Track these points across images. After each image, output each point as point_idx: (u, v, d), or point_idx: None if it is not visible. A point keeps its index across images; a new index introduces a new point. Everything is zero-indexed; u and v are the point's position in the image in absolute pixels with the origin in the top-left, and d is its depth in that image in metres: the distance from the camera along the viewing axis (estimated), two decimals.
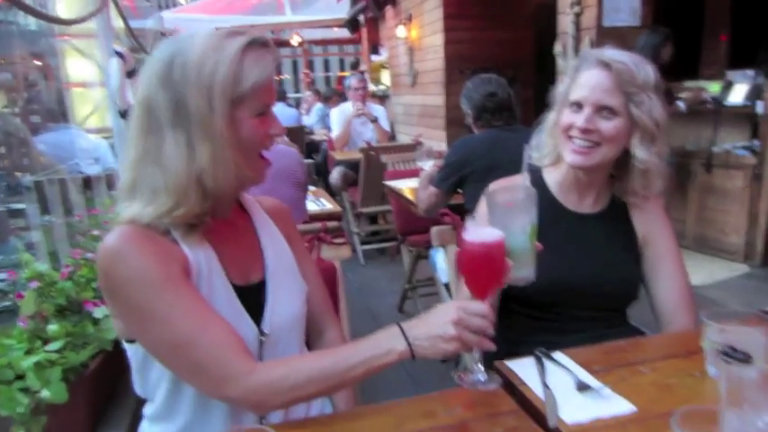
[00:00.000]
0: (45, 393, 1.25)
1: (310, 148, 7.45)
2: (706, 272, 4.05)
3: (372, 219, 5.28)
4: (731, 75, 4.23)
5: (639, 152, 1.34)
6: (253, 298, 1.09)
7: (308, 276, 1.22)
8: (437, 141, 6.44)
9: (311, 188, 3.49)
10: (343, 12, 10.41)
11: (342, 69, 16.15)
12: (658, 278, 1.43)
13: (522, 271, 1.08)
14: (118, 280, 0.96)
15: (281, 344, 1.11)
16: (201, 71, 0.94)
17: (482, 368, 1.06)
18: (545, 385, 1.03)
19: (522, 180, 1.19)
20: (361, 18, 10.42)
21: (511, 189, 1.14)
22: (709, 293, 3.65)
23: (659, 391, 1.02)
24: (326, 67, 17.94)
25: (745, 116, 4.14)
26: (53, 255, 2.23)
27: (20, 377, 1.28)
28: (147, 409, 1.12)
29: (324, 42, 14.52)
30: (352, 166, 5.06)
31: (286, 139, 2.97)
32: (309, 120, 8.68)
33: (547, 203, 1.35)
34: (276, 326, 1.10)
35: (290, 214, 1.27)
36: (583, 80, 1.34)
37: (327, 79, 17.01)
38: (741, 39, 5.86)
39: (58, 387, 1.27)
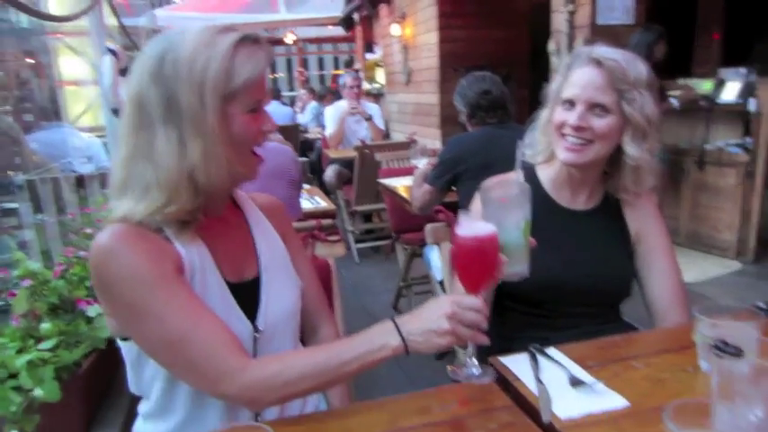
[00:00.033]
0: (38, 392, 1.25)
1: (305, 146, 7.44)
2: (699, 269, 4.07)
3: (367, 217, 5.28)
4: (724, 73, 4.25)
5: (631, 149, 1.34)
6: (247, 295, 1.09)
7: (302, 273, 1.22)
8: (431, 139, 6.44)
9: (306, 186, 3.48)
10: (338, 10, 10.40)
11: (336, 67, 16.15)
12: (651, 275, 1.44)
13: (516, 267, 1.09)
14: (110, 278, 0.96)
15: (275, 340, 1.11)
16: (193, 67, 0.94)
17: (476, 362, 1.06)
18: (539, 381, 1.03)
19: (515, 177, 1.19)
20: (356, 16, 10.42)
21: (505, 185, 1.14)
22: (701, 290, 3.67)
23: (652, 386, 1.03)
24: (321, 65, 17.92)
25: (737, 114, 4.16)
26: (46, 253, 2.22)
27: (12, 376, 1.27)
28: (143, 407, 1.12)
29: (318, 40, 14.51)
30: (347, 164, 5.05)
31: (280, 137, 2.96)
32: (304, 118, 8.67)
33: (540, 200, 1.35)
34: (270, 322, 1.10)
35: (284, 210, 1.27)
36: (575, 78, 1.35)
37: (322, 77, 17.00)
38: (734, 37, 5.89)
39: (51, 386, 1.27)
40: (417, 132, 6.27)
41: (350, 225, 5.01)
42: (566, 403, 0.97)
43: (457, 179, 2.69)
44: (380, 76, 9.52)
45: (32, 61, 4.60)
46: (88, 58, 3.25)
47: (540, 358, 1.12)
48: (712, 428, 0.72)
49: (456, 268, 1.05)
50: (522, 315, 1.44)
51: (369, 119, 5.44)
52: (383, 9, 8.83)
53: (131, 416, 1.16)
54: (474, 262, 1.01)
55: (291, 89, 15.67)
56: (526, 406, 0.99)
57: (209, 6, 9.59)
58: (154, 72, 0.96)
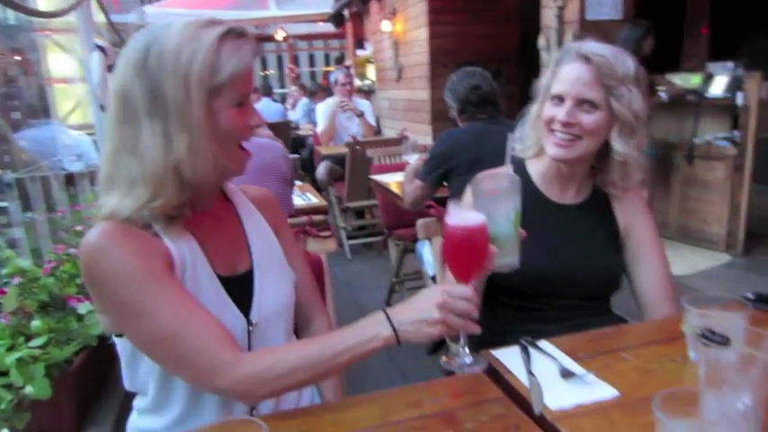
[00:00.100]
0: (28, 390, 1.25)
1: (296, 143, 7.42)
2: (688, 261, 4.11)
3: (359, 213, 5.28)
4: (712, 67, 4.28)
5: (618, 145, 1.35)
6: (240, 288, 1.09)
7: (295, 265, 1.22)
8: (422, 135, 6.45)
9: (297, 183, 3.48)
10: (328, 6, 10.37)
11: (327, 64, 16.10)
12: (640, 268, 1.45)
13: (507, 258, 1.09)
14: (100, 276, 0.96)
15: (269, 333, 1.11)
16: (178, 60, 0.93)
17: (468, 351, 1.06)
18: (530, 373, 1.03)
19: (506, 170, 1.19)
20: (346, 13, 10.40)
21: (495, 177, 1.14)
22: (691, 282, 3.70)
23: (642, 377, 1.04)
24: (312, 61, 17.87)
25: (725, 108, 4.19)
26: (36, 251, 2.21)
27: (3, 374, 1.27)
28: (138, 403, 1.11)
29: (308, 37, 14.46)
30: (339, 160, 5.05)
31: (270, 133, 2.95)
32: (295, 115, 8.64)
33: (530, 195, 1.36)
34: (264, 315, 1.10)
35: (276, 203, 1.26)
36: (563, 74, 1.35)
37: (313, 74, 16.94)
38: (721, 31, 5.94)
39: (42, 383, 1.26)
40: (408, 128, 6.28)
41: (342, 221, 5.01)
42: (557, 394, 0.97)
43: (448, 174, 2.70)
44: (371, 72, 9.50)
45: (20, 58, 4.56)
46: (76, 55, 3.23)
47: (532, 351, 1.13)
48: (700, 417, 0.73)
49: (446, 258, 1.05)
50: (514, 309, 1.45)
51: (360, 115, 5.44)
52: (373, 5, 8.81)
53: (124, 413, 1.16)
54: (464, 251, 1.02)
55: (282, 86, 15.62)
56: (518, 398, 0.99)
57: (198, 3, 9.52)
58: (138, 66, 0.95)
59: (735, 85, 4.04)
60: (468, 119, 2.80)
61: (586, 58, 1.32)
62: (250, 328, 1.08)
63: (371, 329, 0.97)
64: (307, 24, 12.19)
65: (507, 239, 1.08)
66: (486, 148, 2.52)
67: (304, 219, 2.11)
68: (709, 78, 4.21)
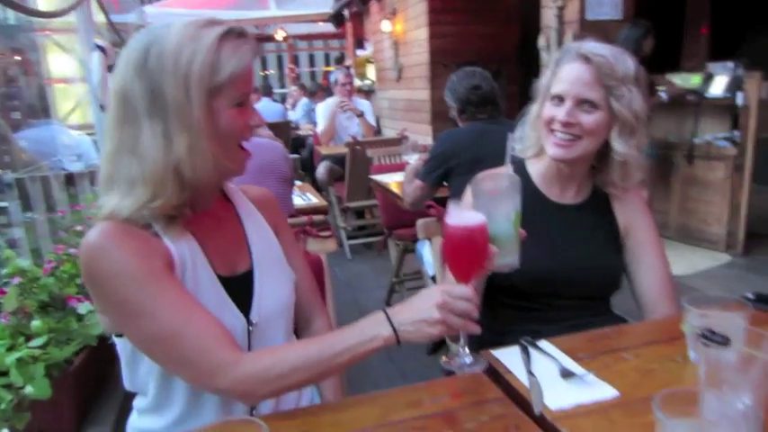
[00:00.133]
0: (28, 390, 1.25)
1: (296, 143, 7.42)
2: (688, 262, 4.11)
3: (359, 213, 5.28)
4: (712, 67, 4.28)
5: (618, 145, 1.35)
6: (240, 288, 1.09)
7: (295, 265, 1.22)
8: (422, 135, 6.45)
9: (297, 183, 3.48)
10: (328, 6, 10.37)
11: (327, 64, 16.10)
12: (640, 269, 1.45)
13: (507, 258, 1.09)
14: (100, 276, 0.96)
15: (269, 333, 1.11)
16: (178, 60, 0.93)
17: (468, 351, 1.06)
18: (530, 373, 1.03)
19: (506, 170, 1.19)
20: (346, 12, 10.40)
21: (495, 177, 1.14)
22: (691, 282, 3.70)
23: (642, 377, 1.04)
24: (312, 61, 17.87)
25: (725, 107, 4.19)
26: (36, 252, 2.21)
27: (3, 374, 1.27)
28: (139, 403, 1.11)
29: (308, 37, 14.46)
30: (339, 160, 5.05)
31: (270, 133, 2.95)
32: (295, 115, 8.64)
33: (530, 195, 1.36)
34: (264, 315, 1.10)
35: (276, 203, 1.26)
36: (564, 74, 1.35)
37: (313, 74, 16.95)
38: (721, 31, 5.94)
39: (42, 383, 1.26)
40: (408, 128, 6.28)
41: (342, 222, 5.01)
42: (557, 394, 0.97)
43: (448, 174, 2.70)
44: (371, 72, 9.50)
45: (20, 58, 4.55)
46: (76, 55, 3.23)
47: (532, 351, 1.13)
48: (700, 417, 0.73)
49: (446, 258, 1.05)
50: (514, 309, 1.45)
51: (360, 115, 5.44)
52: (373, 5, 8.81)
53: (123, 413, 1.16)
54: (463, 251, 1.02)
55: (282, 86, 15.62)
56: (518, 398, 0.99)
57: (198, 3, 9.52)
58: (138, 65, 0.95)
59: (735, 85, 4.04)
60: (468, 119, 2.80)
61: (586, 58, 1.32)
62: (250, 328, 1.08)
63: (371, 329, 0.97)
64: (307, 24, 12.19)
65: (507, 239, 1.08)
66: (485, 148, 2.52)
67: (304, 219, 2.11)
68: (709, 78, 4.21)
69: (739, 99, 4.01)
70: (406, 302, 1.00)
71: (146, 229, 0.99)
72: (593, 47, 1.33)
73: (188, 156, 0.95)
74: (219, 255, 1.08)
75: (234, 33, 0.98)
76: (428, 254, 2.65)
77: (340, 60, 11.46)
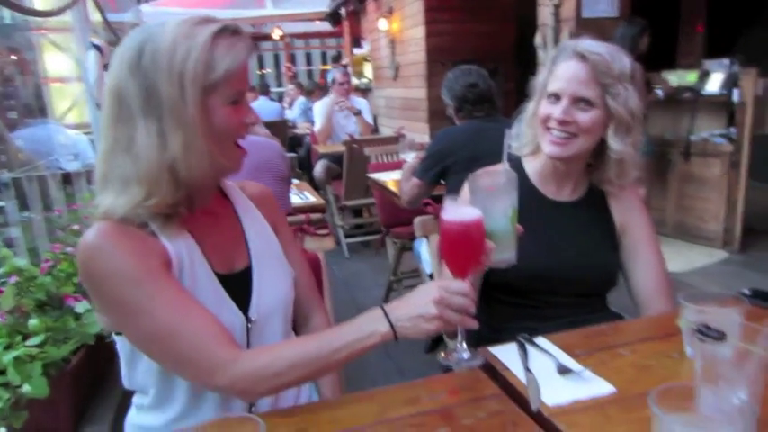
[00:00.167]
0: (26, 388, 1.25)
1: (293, 142, 7.41)
2: (685, 258, 4.11)
3: (357, 212, 5.28)
4: (708, 64, 4.28)
5: (614, 143, 1.35)
6: (238, 285, 1.09)
7: (293, 262, 1.22)
8: (419, 134, 6.45)
9: (295, 181, 3.48)
10: (324, 5, 10.37)
11: (324, 62, 16.10)
12: (636, 265, 1.46)
13: (504, 254, 1.09)
14: (97, 276, 0.96)
15: (268, 330, 1.11)
16: (172, 58, 0.93)
17: (465, 346, 1.06)
18: (527, 369, 1.04)
19: (502, 167, 1.20)
20: (343, 11, 10.39)
21: (492, 173, 1.14)
22: (688, 279, 3.70)
23: (638, 372, 1.04)
24: (309, 60, 17.86)
25: (721, 104, 4.20)
26: (33, 251, 2.20)
27: (0, 372, 1.26)
28: (139, 400, 1.11)
29: (305, 36, 14.45)
30: (336, 159, 5.05)
31: (267, 132, 2.95)
32: (292, 114, 8.63)
33: (526, 192, 1.36)
34: (263, 312, 1.10)
35: (274, 199, 1.26)
36: (560, 72, 1.35)
37: (310, 73, 16.94)
38: (717, 28, 5.95)
39: (39, 382, 1.26)
40: (405, 127, 6.28)
41: (339, 220, 5.01)
42: (554, 391, 0.98)
43: (445, 172, 2.70)
44: (368, 70, 9.50)
45: (16, 58, 4.55)
46: (72, 55, 3.22)
47: (529, 347, 1.13)
48: (696, 411, 0.73)
49: (443, 253, 1.05)
50: (511, 306, 1.45)
51: (357, 114, 5.44)
52: (370, 4, 8.81)
53: (121, 411, 1.16)
54: (460, 246, 1.02)
55: (279, 85, 15.60)
56: (515, 394, 0.99)
57: (194, 2, 9.51)
58: (133, 64, 0.95)
59: (731, 82, 4.05)
60: (464, 117, 2.81)
61: (583, 57, 1.32)
62: (249, 326, 1.08)
63: (369, 326, 0.97)
64: (303, 23, 12.18)
65: (504, 235, 1.08)
66: (482, 147, 2.52)
67: (301, 217, 2.11)
68: (705, 75, 4.22)
69: (735, 96, 4.02)
70: (404, 298, 1.01)
71: (142, 229, 0.99)
72: (589, 45, 1.34)
73: (183, 154, 0.95)
74: (217, 252, 1.08)
75: (228, 31, 0.97)
76: (425, 252, 2.65)
77: (337, 59, 11.47)
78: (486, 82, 2.80)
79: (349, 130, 5.38)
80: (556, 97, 1.35)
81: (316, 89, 8.41)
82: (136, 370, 1.06)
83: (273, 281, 1.14)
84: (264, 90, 8.55)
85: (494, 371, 1.07)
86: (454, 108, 2.83)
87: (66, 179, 2.77)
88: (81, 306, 1.46)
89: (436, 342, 2.70)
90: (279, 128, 6.42)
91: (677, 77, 4.42)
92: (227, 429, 0.77)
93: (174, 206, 0.99)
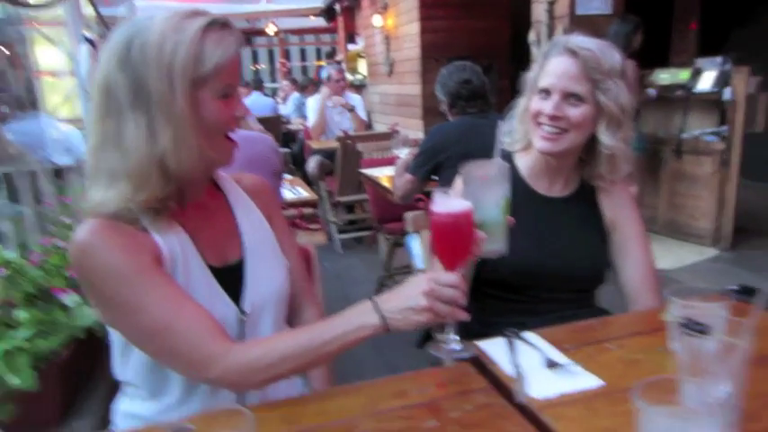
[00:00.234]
0: (14, 381, 1.24)
1: (287, 137, 7.40)
2: (675, 256, 4.13)
3: (350, 208, 5.28)
4: (700, 62, 4.30)
5: (605, 138, 1.36)
6: (232, 278, 1.09)
7: (287, 253, 1.22)
8: (414, 130, 6.45)
9: (288, 177, 3.48)
10: (319, 0, 10.33)
11: (318, 58, 16.05)
12: (625, 261, 1.46)
13: (495, 244, 1.10)
14: (90, 274, 0.96)
15: (262, 322, 1.12)
16: (161, 52, 0.93)
17: (457, 338, 1.07)
18: (515, 363, 1.04)
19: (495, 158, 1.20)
20: (337, 7, 10.36)
21: (484, 165, 1.15)
22: (677, 276, 3.72)
23: (625, 367, 1.05)
24: (303, 56, 17.80)
25: (713, 103, 4.22)
26: (24, 246, 2.19)
27: None
28: (131, 390, 1.11)
29: (300, 32, 14.41)
30: (329, 155, 5.04)
31: (260, 127, 2.94)
32: (286, 109, 8.61)
33: (518, 188, 1.37)
34: (257, 304, 1.10)
35: (270, 190, 1.26)
36: (551, 67, 1.36)
37: (304, 68, 16.89)
38: (710, 27, 5.97)
39: (28, 375, 1.26)
40: (400, 123, 6.27)
41: (332, 216, 5.00)
42: (542, 384, 0.98)
43: (438, 168, 2.71)
44: (363, 67, 9.48)
45: (7, 51, 4.50)
46: (65, 48, 3.20)
47: (517, 342, 1.14)
48: (680, 404, 0.74)
49: (433, 246, 1.06)
50: (501, 301, 1.46)
51: (351, 110, 5.44)
52: (365, 0, 8.78)
53: (110, 406, 1.16)
54: (449, 238, 1.02)
55: (274, 80, 15.55)
56: (503, 388, 1.00)
57: None
58: (121, 58, 0.94)
59: (723, 81, 4.07)
60: (458, 113, 2.81)
61: (573, 52, 1.33)
62: (242, 318, 1.08)
63: (360, 318, 0.98)
64: (298, 19, 12.14)
65: (495, 226, 1.09)
66: (475, 143, 2.52)
67: (293, 212, 2.11)
68: (697, 73, 4.23)
69: (727, 94, 4.04)
70: (394, 291, 1.01)
71: (133, 224, 0.99)
72: (580, 41, 1.34)
73: (172, 148, 0.95)
74: (210, 246, 1.08)
75: (218, 24, 0.97)
76: (417, 247, 2.65)
77: (331, 55, 11.44)
78: (479, 78, 2.81)
79: (343, 127, 5.38)
80: (546, 93, 1.35)
81: (310, 85, 8.39)
82: (128, 362, 1.06)
83: (267, 273, 1.14)
84: (258, 85, 8.53)
85: (482, 365, 1.08)
86: (447, 104, 2.84)
87: (58, 173, 2.75)
88: (70, 299, 1.46)
89: (428, 337, 2.71)
90: (272, 123, 6.41)
91: (670, 75, 4.43)
92: (215, 421, 0.77)
93: (164, 200, 0.99)
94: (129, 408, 1.12)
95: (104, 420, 1.48)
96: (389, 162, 3.64)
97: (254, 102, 7.48)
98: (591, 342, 1.15)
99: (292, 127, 7.75)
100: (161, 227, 1.01)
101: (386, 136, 4.80)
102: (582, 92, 1.33)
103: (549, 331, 1.19)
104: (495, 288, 1.45)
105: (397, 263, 3.52)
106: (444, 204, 1.01)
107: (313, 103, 5.59)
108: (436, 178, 2.78)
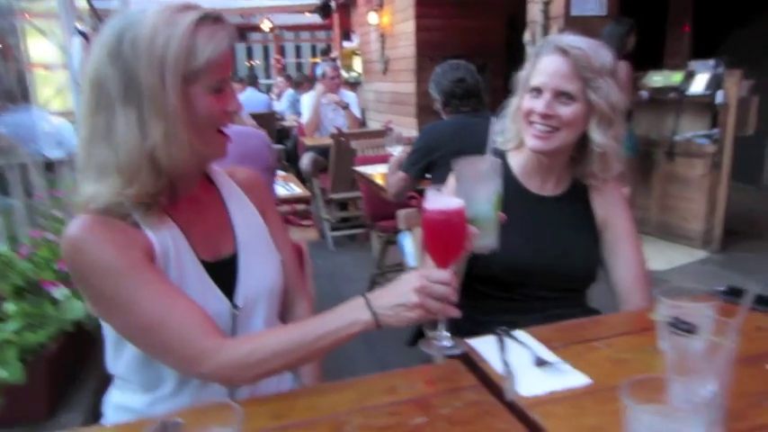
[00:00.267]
0: (2, 374, 1.24)
1: (281, 134, 7.39)
2: (666, 257, 4.16)
3: (343, 205, 5.28)
4: (693, 65, 4.33)
5: (597, 136, 1.37)
6: (225, 272, 1.09)
7: (281, 247, 1.22)
8: (408, 128, 6.45)
9: (281, 173, 3.47)
10: None
11: (314, 55, 16.03)
12: (616, 261, 1.47)
13: (486, 239, 1.10)
14: (81, 270, 0.96)
15: (255, 317, 1.12)
16: (153, 46, 0.92)
17: (448, 334, 1.07)
18: (504, 361, 1.05)
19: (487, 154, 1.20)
20: (333, 4, 10.35)
21: (477, 161, 1.15)
22: (666, 277, 3.75)
23: (614, 365, 1.06)
24: (298, 53, 17.77)
25: (705, 105, 4.24)
26: (13, 239, 2.18)
27: None
28: (123, 382, 1.11)
29: (295, 28, 14.39)
30: (323, 152, 5.04)
31: (254, 122, 2.94)
32: (280, 106, 8.59)
33: (510, 186, 1.37)
34: (250, 299, 1.10)
35: (263, 184, 1.26)
36: (542, 66, 1.37)
37: (299, 65, 16.85)
38: (704, 29, 6.00)
39: (15, 367, 1.25)
40: (394, 121, 6.28)
41: (326, 213, 5.00)
42: (530, 382, 0.99)
43: (431, 166, 2.71)
44: (357, 64, 9.47)
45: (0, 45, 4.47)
46: (57, 41, 3.18)
47: (507, 340, 1.14)
48: (667, 403, 0.74)
49: (425, 243, 1.06)
50: (492, 299, 1.46)
51: (346, 107, 5.43)
52: None
53: (100, 398, 1.16)
54: (441, 235, 1.02)
55: (268, 77, 15.51)
56: (492, 386, 1.00)
57: None
58: (112, 51, 0.94)
59: (715, 84, 4.09)
60: (451, 111, 2.81)
61: (564, 51, 1.33)
62: (235, 312, 1.08)
63: (351, 314, 0.98)
64: (293, 15, 12.12)
65: (487, 221, 1.09)
66: (469, 141, 2.52)
67: (286, 208, 2.10)
68: (690, 76, 4.25)
69: (719, 97, 4.06)
70: (386, 287, 1.01)
71: (125, 220, 0.99)
72: (571, 40, 1.35)
73: (163, 143, 0.94)
74: (203, 240, 1.08)
75: (210, 18, 0.97)
76: (409, 245, 2.65)
77: (326, 52, 11.41)
78: (473, 77, 2.81)
79: (337, 124, 5.37)
80: (538, 91, 1.36)
81: (304, 81, 8.37)
82: (122, 356, 1.06)
83: (260, 267, 1.14)
84: (253, 81, 8.51)
85: (472, 362, 1.08)
86: (441, 102, 2.84)
87: (50, 166, 2.74)
88: (60, 292, 1.45)
89: (419, 335, 2.71)
90: (267, 120, 6.39)
91: (663, 77, 4.46)
92: (204, 415, 0.77)
93: (155, 195, 0.99)
94: (120, 400, 1.11)
95: (94, 413, 1.48)
96: (383, 160, 3.64)
97: (249, 98, 7.46)
98: (580, 341, 1.15)
99: (286, 123, 7.73)
100: (153, 222, 1.00)
101: (379, 133, 4.80)
102: (573, 90, 1.33)
103: (539, 329, 1.19)
104: (486, 286, 1.45)
105: (389, 260, 3.52)
106: (437, 202, 1.02)
107: (307, 99, 5.58)
108: (429, 176, 2.78)
